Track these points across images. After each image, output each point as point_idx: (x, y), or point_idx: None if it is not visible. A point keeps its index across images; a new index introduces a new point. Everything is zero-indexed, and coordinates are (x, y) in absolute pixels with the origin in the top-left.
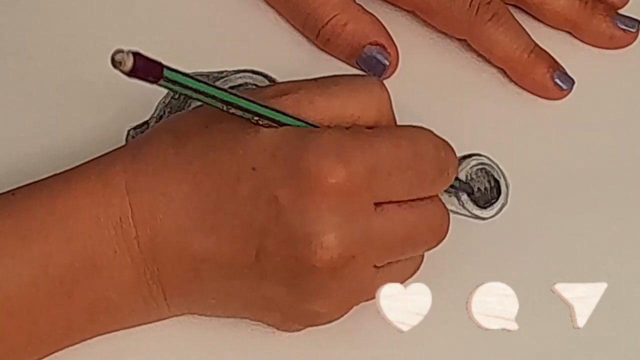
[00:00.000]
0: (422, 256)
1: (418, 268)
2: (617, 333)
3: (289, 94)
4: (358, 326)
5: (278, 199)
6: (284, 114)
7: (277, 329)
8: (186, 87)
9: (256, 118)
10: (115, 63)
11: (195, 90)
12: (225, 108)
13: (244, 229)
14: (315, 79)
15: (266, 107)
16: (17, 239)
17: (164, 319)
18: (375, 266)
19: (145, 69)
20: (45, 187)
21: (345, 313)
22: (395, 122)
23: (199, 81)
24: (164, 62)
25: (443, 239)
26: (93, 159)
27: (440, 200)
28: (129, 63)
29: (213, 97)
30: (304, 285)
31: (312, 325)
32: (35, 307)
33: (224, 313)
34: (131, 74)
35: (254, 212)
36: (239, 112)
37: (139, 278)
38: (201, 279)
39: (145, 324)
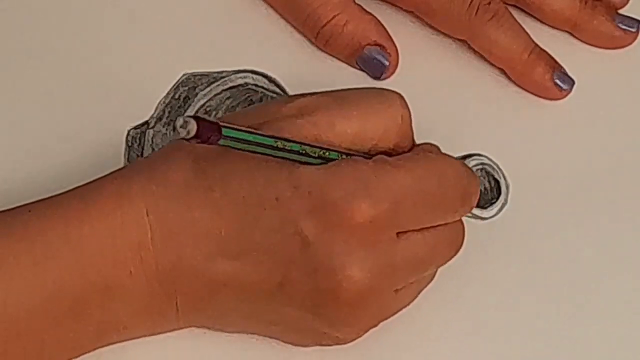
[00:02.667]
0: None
1: (431, 281)
2: (617, 333)
3: (306, 116)
4: None
5: (303, 232)
6: (328, 150)
7: (290, 344)
8: (243, 141)
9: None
10: (178, 130)
11: (253, 143)
12: (275, 154)
13: (268, 257)
14: (335, 95)
15: (313, 146)
16: (29, 263)
17: (171, 331)
18: (395, 290)
19: (206, 130)
20: (60, 208)
21: (362, 335)
22: (414, 141)
23: (255, 133)
24: (221, 123)
25: (459, 249)
26: (106, 177)
27: None
28: (194, 129)
29: (269, 146)
30: (328, 314)
31: (326, 345)
32: (43, 329)
33: (236, 330)
34: (194, 139)
35: (279, 243)
36: (288, 156)
37: (152, 299)
38: (220, 301)
39: (150, 336)
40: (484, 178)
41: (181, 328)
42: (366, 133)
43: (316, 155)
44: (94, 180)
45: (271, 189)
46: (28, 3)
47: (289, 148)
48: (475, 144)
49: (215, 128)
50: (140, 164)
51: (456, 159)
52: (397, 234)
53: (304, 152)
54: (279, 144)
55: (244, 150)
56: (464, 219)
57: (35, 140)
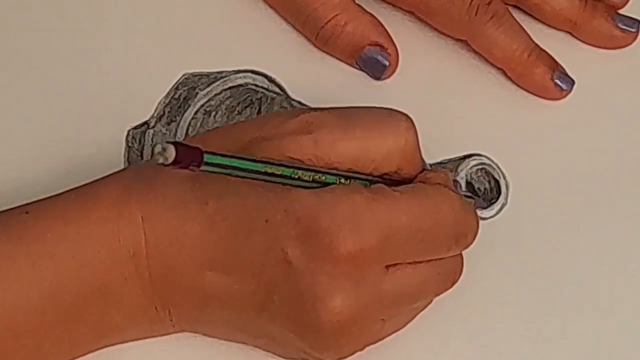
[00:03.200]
0: (430, 300)
1: (424, 309)
2: (617, 333)
3: (311, 133)
4: None
5: (289, 257)
6: (325, 173)
7: (279, 356)
8: (227, 167)
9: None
10: (155, 156)
11: (238, 169)
12: (266, 179)
13: (254, 276)
14: (340, 113)
15: (307, 169)
16: (27, 264)
17: (166, 334)
18: (382, 319)
19: (187, 156)
20: (58, 209)
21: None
22: (422, 159)
23: (240, 158)
24: (203, 149)
25: (455, 284)
26: (108, 178)
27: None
28: (172, 155)
29: (256, 172)
30: (310, 339)
31: None
32: (40, 330)
33: (227, 338)
34: (174, 164)
35: (265, 265)
36: (280, 180)
37: (147, 304)
38: (209, 312)
39: (145, 339)
40: (484, 178)
41: (177, 332)
42: (368, 155)
43: (310, 179)
44: (94, 181)
45: (262, 210)
46: (28, 3)
47: (279, 173)
48: (475, 144)
49: (197, 153)
50: (141, 171)
51: (458, 194)
52: (387, 266)
53: (297, 177)
54: (268, 169)
55: (229, 175)
56: None
57: (35, 140)
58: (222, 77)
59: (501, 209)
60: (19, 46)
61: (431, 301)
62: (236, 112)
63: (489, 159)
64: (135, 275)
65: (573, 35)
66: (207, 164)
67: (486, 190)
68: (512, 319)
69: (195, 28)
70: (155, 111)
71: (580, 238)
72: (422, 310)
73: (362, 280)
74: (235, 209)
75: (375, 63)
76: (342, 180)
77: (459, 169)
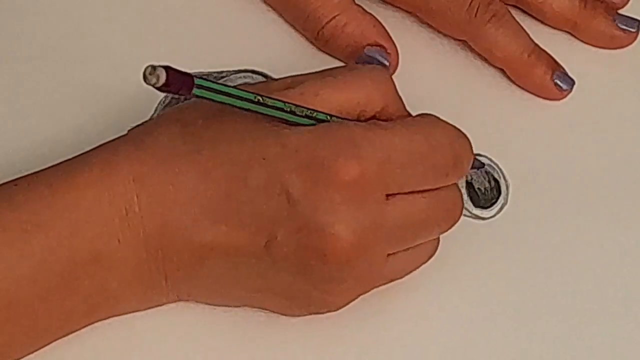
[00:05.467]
0: (437, 243)
1: (432, 255)
2: (617, 333)
3: (294, 88)
4: (359, 327)
5: (290, 190)
6: (316, 111)
7: (280, 314)
8: (219, 92)
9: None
10: (147, 78)
11: (228, 95)
12: (258, 109)
13: (254, 218)
14: (318, 72)
15: (299, 105)
16: (17, 232)
17: (161, 305)
18: (387, 254)
19: (177, 82)
20: (46, 179)
21: (352, 301)
22: (404, 106)
23: (230, 86)
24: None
25: (456, 221)
26: (93, 149)
27: (453, 183)
28: (162, 78)
29: (246, 99)
30: (315, 274)
31: (316, 313)
32: (34, 300)
33: (224, 299)
34: (164, 88)
35: (265, 202)
36: (271, 112)
37: (141, 267)
38: (207, 265)
39: (141, 310)
40: (484, 178)
41: (172, 301)
42: (351, 99)
43: (303, 114)
44: (78, 155)
45: (259, 148)
46: (29, 4)
47: (271, 104)
48: (475, 144)
49: (188, 79)
50: (125, 136)
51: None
52: (387, 196)
53: (289, 109)
54: (260, 98)
55: (221, 102)
56: (463, 218)
57: (35, 140)
58: (222, 77)
59: (501, 209)
60: (20, 47)
61: (436, 249)
62: None
63: (489, 159)
64: (128, 235)
65: (573, 35)
66: (198, 87)
67: (486, 190)
68: (512, 319)
69: (195, 28)
70: (155, 111)
71: (580, 238)
72: (424, 260)
73: (364, 208)
74: (231, 152)
75: (376, 63)
76: (334, 119)
77: None
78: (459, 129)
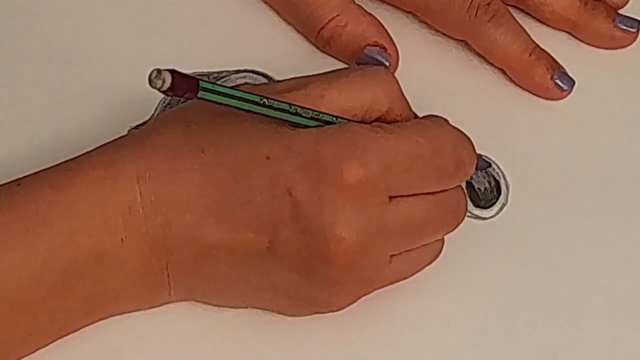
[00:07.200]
0: (442, 244)
1: (437, 256)
2: (617, 333)
3: (299, 90)
4: (362, 327)
5: (293, 191)
6: (322, 113)
7: (282, 314)
8: (224, 95)
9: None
10: (152, 82)
11: (233, 97)
12: (263, 112)
13: (257, 217)
14: (322, 74)
15: (305, 107)
16: (20, 231)
17: (163, 304)
18: (390, 255)
19: (183, 85)
20: (49, 178)
21: (355, 301)
22: (410, 107)
23: (235, 89)
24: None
25: (460, 222)
26: (97, 148)
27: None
28: (168, 82)
29: (252, 102)
30: (318, 274)
31: (319, 313)
32: (35, 299)
33: (227, 299)
34: (169, 92)
35: (269, 202)
36: (276, 114)
37: (144, 266)
38: (210, 265)
39: (143, 310)
40: (484, 178)
41: (174, 301)
42: (356, 101)
43: (309, 116)
44: (84, 153)
45: (263, 147)
46: (29, 4)
47: (276, 106)
48: (476, 144)
49: (193, 82)
50: (128, 136)
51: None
52: (390, 198)
53: (294, 111)
54: (265, 100)
55: (227, 105)
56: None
57: (35, 141)
58: (222, 77)
59: (501, 209)
60: (20, 47)
61: (441, 249)
62: None
63: (489, 159)
64: (132, 235)
65: (573, 35)
66: (204, 90)
67: (486, 190)
68: (512, 319)
69: (195, 28)
70: (155, 111)
71: (581, 238)
72: (429, 261)
73: (367, 210)
74: (234, 151)
75: (376, 63)
76: (340, 121)
77: None
78: (462, 132)
